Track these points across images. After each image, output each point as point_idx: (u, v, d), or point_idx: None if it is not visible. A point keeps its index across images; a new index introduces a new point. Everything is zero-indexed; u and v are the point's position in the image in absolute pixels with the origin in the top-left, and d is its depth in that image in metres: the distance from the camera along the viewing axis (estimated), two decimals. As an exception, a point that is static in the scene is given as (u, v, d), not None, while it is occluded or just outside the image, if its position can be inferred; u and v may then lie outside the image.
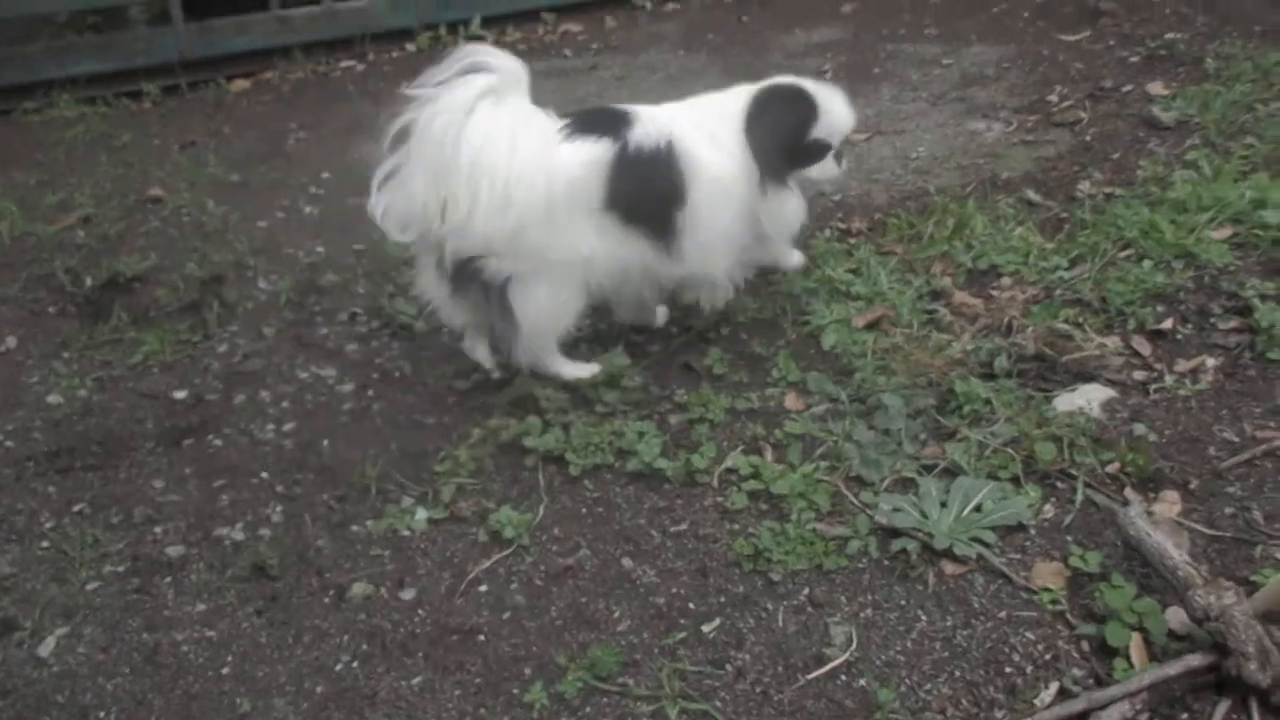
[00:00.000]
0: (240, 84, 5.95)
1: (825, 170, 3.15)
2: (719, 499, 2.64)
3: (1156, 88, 4.68)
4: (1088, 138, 4.40)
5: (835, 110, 3.08)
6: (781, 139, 2.96)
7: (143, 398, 3.30)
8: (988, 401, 2.71)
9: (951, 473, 2.56)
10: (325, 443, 3.03)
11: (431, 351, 3.40)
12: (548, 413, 2.94)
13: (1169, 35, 5.23)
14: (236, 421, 3.16)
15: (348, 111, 5.56)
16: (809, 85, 3.09)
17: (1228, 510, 2.40)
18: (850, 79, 5.40)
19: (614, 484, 2.74)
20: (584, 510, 2.68)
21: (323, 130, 5.34)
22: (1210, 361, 2.86)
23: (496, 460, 2.86)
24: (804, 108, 3.03)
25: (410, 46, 6.40)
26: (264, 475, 2.93)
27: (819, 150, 3.09)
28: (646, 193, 2.78)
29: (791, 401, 2.94)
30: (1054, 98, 4.82)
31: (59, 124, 5.44)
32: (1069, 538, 2.38)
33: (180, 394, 3.31)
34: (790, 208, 3.04)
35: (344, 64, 6.23)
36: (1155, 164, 4.02)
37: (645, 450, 2.73)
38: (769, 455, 2.75)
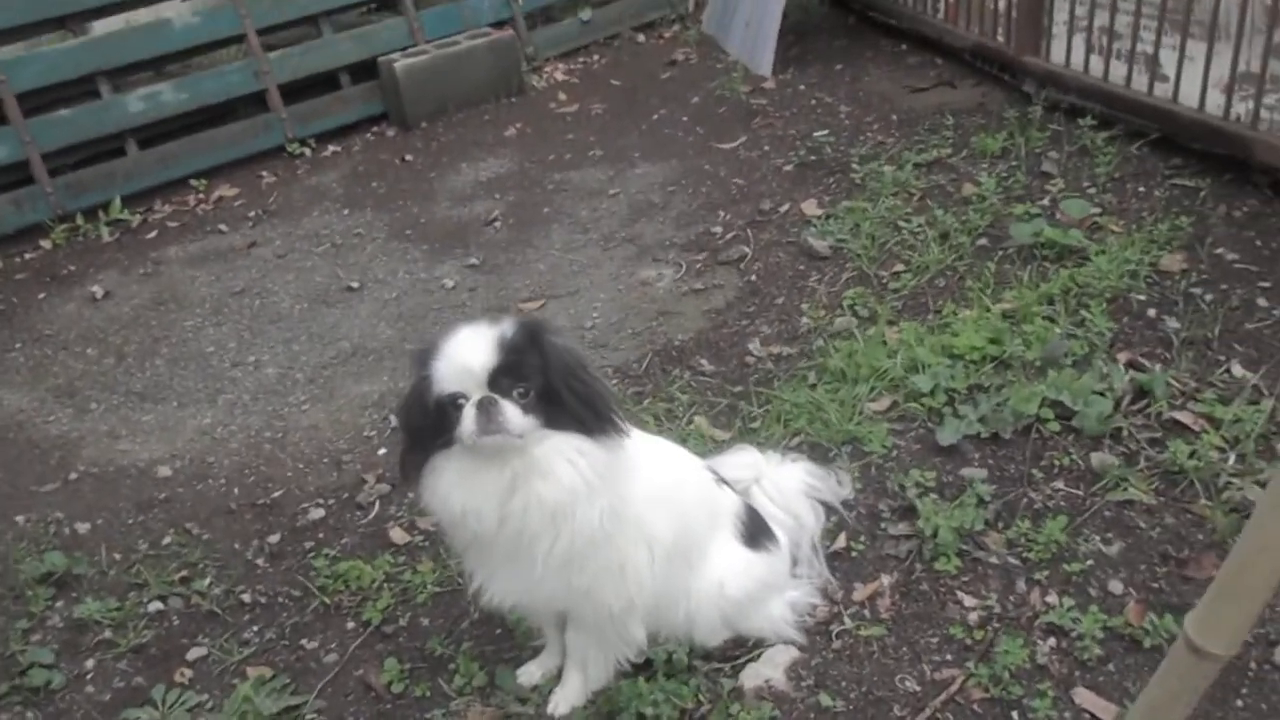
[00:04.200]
0: None
1: None
2: None
3: (811, 207, 4.74)
4: (753, 277, 4.38)
5: None
6: None
7: None
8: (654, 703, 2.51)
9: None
10: None
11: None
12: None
13: (817, 134, 5.34)
14: None
15: (-34, 345, 4.92)
16: None
17: (917, 800, 2.34)
18: (521, 225, 5.23)
19: None
20: None
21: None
22: (886, 580, 2.81)
23: None
24: None
25: (45, 244, 5.78)
26: None
27: None
28: None
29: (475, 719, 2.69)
30: (718, 228, 4.80)
31: None
32: None
33: None
34: None
35: (-38, 279, 5.54)
36: (816, 308, 4.03)
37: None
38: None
